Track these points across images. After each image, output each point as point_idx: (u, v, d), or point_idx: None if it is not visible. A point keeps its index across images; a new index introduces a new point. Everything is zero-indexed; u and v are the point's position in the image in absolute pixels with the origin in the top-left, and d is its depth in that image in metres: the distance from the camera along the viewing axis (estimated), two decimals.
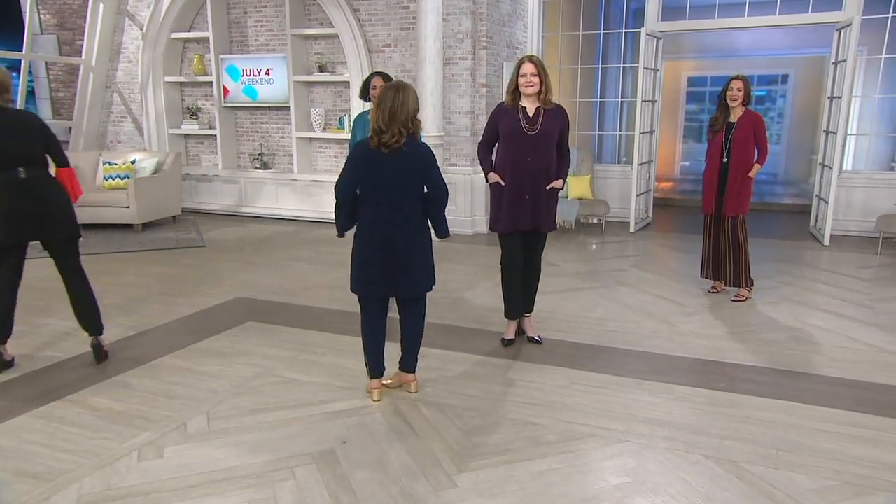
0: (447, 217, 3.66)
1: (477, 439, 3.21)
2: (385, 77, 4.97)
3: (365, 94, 5.05)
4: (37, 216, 3.87)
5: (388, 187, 3.38)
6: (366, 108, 5.24)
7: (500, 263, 4.40)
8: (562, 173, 4.28)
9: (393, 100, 3.28)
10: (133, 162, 8.43)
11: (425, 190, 3.50)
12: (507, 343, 4.44)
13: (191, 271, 6.37)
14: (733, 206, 5.24)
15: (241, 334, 4.65)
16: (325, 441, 3.19)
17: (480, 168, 4.77)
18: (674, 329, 4.77)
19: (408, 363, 3.74)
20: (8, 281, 3.99)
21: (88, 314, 4.13)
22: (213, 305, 5.29)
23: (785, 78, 12.86)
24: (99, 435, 3.24)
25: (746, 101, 5.16)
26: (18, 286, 4.06)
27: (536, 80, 4.05)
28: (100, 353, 4.15)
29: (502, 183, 4.21)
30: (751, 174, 5.20)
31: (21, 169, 3.79)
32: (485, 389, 3.77)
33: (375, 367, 3.66)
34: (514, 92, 4.16)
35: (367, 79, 5.04)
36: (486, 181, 4.33)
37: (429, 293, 3.68)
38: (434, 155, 3.51)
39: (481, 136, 4.38)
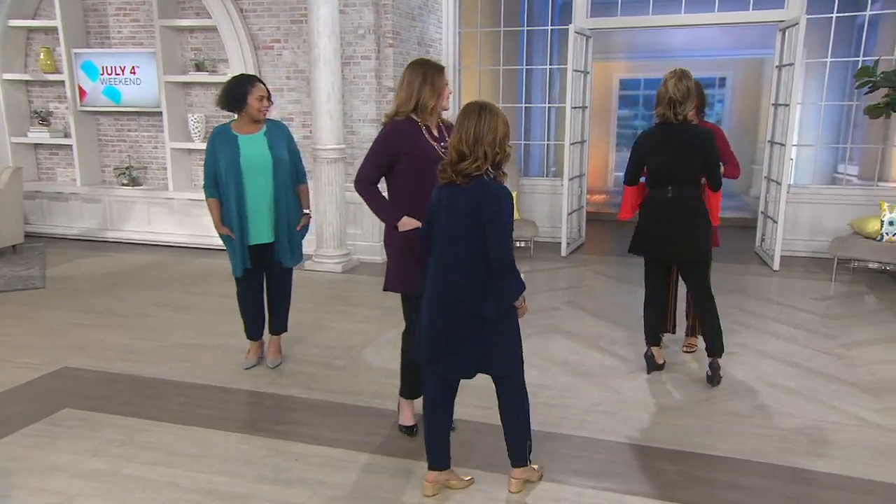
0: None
1: None
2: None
3: (241, 104, 3.84)
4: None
5: (440, 234, 2.69)
6: (226, 122, 4.03)
7: (404, 334, 3.35)
8: None
9: (479, 118, 2.59)
10: None
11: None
12: (405, 430, 3.41)
13: (13, 326, 4.98)
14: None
15: (48, 432, 3.41)
16: None
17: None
18: (619, 399, 3.82)
19: (508, 452, 2.94)
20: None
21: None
22: (26, 381, 4.00)
23: (723, 81, 12.12)
24: None
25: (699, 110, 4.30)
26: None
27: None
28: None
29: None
30: None
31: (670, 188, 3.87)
32: None
33: (431, 458, 2.92)
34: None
35: (244, 83, 3.85)
36: (395, 229, 3.18)
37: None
38: (510, 202, 2.61)
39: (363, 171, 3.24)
